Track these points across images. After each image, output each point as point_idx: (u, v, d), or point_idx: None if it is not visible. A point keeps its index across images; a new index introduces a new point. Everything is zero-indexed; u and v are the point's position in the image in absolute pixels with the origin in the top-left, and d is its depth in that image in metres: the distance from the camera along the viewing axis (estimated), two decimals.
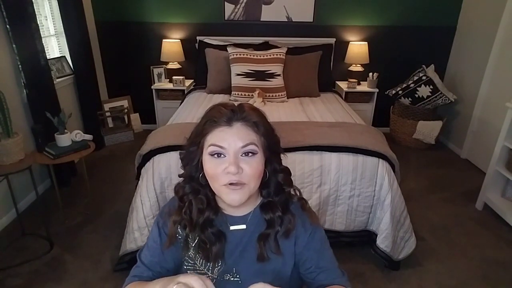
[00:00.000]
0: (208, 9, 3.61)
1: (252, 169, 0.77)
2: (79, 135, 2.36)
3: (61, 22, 3.04)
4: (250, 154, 0.77)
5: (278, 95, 3.16)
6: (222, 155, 0.77)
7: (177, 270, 0.92)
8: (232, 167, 0.75)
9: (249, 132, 0.78)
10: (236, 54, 3.21)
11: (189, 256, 0.88)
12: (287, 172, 0.88)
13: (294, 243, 0.87)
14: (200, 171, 0.83)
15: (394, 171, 2.03)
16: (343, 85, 3.66)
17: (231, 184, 0.76)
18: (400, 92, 3.53)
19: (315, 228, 0.89)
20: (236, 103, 0.83)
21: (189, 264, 0.89)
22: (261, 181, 0.82)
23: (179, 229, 0.87)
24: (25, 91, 2.51)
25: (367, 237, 2.10)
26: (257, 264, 0.85)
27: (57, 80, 2.95)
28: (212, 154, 0.77)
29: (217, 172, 0.77)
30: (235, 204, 0.79)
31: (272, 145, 0.83)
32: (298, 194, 0.91)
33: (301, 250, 0.88)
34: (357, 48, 3.59)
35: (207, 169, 0.79)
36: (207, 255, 0.85)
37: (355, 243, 2.14)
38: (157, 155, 1.94)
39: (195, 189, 0.85)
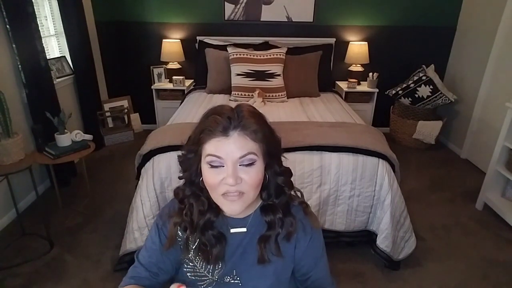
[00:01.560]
0: (208, 9, 3.61)
1: (251, 178, 0.75)
2: (79, 135, 2.36)
3: (61, 22, 3.04)
4: (248, 164, 0.75)
5: (278, 95, 3.15)
6: (220, 165, 0.75)
7: (175, 272, 0.91)
8: (230, 179, 0.73)
9: (247, 141, 0.75)
10: (236, 54, 3.21)
11: (189, 259, 0.88)
12: (288, 173, 0.87)
13: (294, 246, 0.87)
14: (200, 176, 0.81)
15: (394, 171, 2.03)
16: (343, 85, 3.66)
17: (229, 192, 0.75)
18: (400, 92, 3.53)
19: (315, 234, 0.89)
20: (234, 104, 0.81)
21: (189, 267, 0.88)
22: (261, 185, 0.81)
23: (179, 231, 0.86)
24: (25, 91, 2.51)
25: (367, 237, 2.10)
26: (258, 266, 0.85)
27: (57, 80, 2.95)
28: (210, 164, 0.76)
29: (215, 182, 0.75)
30: (234, 214, 0.79)
31: (272, 150, 0.81)
32: (300, 196, 0.90)
33: (300, 255, 0.88)
34: (357, 48, 3.59)
35: (206, 179, 0.78)
36: (207, 257, 0.84)
37: (355, 243, 2.14)
38: (157, 155, 1.94)
39: (195, 192, 0.84)
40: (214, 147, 0.74)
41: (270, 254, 0.84)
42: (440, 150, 3.63)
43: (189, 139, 0.82)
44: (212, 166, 0.75)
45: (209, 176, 0.76)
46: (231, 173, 0.73)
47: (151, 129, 2.51)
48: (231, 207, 0.77)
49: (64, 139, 2.27)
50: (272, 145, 0.80)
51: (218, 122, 0.74)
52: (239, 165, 0.75)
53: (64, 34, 3.10)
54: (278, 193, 0.85)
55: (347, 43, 3.67)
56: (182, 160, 0.85)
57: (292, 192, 0.88)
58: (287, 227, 0.84)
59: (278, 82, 3.17)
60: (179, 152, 0.86)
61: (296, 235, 0.85)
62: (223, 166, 0.75)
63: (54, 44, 3.21)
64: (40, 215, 2.37)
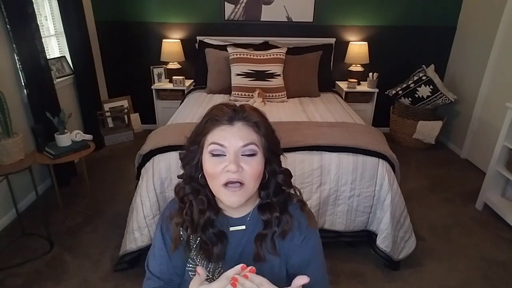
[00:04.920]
0: (208, 9, 3.61)
1: (252, 169, 0.76)
2: (79, 135, 2.36)
3: (61, 22, 3.04)
4: (250, 154, 0.77)
5: (278, 95, 3.15)
6: (222, 154, 0.76)
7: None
8: (232, 166, 0.74)
9: (250, 132, 0.78)
10: (236, 54, 3.21)
11: (191, 257, 0.88)
12: (287, 173, 0.87)
13: (288, 244, 0.87)
14: (200, 171, 0.82)
15: (394, 171, 2.03)
16: (343, 85, 3.66)
17: (230, 182, 0.76)
18: (400, 92, 3.53)
19: (310, 233, 0.88)
20: (237, 104, 0.83)
21: (191, 265, 0.88)
22: (260, 182, 0.82)
23: (181, 231, 0.87)
24: (25, 91, 2.51)
25: (367, 237, 2.10)
26: (255, 264, 0.85)
27: (57, 80, 2.95)
28: (212, 153, 0.77)
29: (217, 170, 0.76)
30: (234, 206, 0.79)
31: (272, 146, 0.82)
32: (299, 194, 0.91)
33: (291, 253, 0.87)
34: (357, 48, 3.59)
35: (207, 168, 0.78)
36: (209, 256, 0.85)
37: (355, 243, 2.15)
38: (157, 155, 1.94)
39: (195, 189, 0.84)
40: (218, 135, 0.77)
41: (266, 253, 0.84)
42: (440, 150, 3.63)
43: (193, 131, 0.83)
44: (214, 155, 0.77)
45: (210, 165, 0.77)
46: (233, 160, 0.75)
47: (151, 129, 2.51)
48: (230, 199, 0.77)
49: (64, 139, 2.27)
50: (272, 142, 0.82)
51: (224, 111, 0.78)
52: (241, 155, 0.76)
53: (64, 34, 3.10)
54: (276, 192, 0.85)
55: (347, 43, 3.67)
56: (183, 155, 0.86)
57: (291, 191, 0.89)
58: (283, 225, 0.84)
59: (278, 82, 3.17)
60: (183, 145, 0.86)
61: (291, 233, 0.85)
62: (225, 155, 0.76)
63: (54, 44, 3.21)
64: (40, 215, 2.37)
